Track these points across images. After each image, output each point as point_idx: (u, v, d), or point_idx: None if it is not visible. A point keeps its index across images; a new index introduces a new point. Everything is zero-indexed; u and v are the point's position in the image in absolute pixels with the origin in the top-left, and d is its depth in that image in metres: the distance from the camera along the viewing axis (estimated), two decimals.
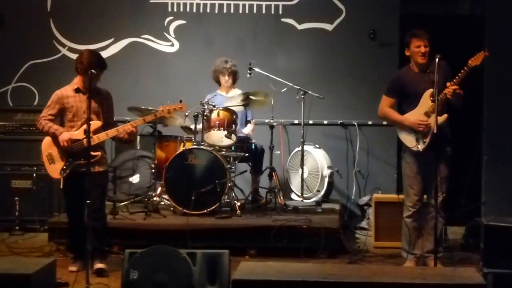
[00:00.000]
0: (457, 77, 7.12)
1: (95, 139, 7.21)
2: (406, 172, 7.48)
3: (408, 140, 7.41)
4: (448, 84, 7.13)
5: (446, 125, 7.29)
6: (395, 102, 7.58)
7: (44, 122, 7.36)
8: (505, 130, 9.43)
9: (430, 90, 7.14)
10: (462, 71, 7.09)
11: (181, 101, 7.85)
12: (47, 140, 7.42)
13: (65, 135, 7.27)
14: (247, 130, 9.41)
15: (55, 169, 7.35)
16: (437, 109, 6.93)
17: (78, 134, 7.28)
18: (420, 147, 7.32)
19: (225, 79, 9.37)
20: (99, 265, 7.27)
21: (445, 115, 7.22)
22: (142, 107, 9.01)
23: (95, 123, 7.25)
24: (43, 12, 10.37)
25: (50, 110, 7.38)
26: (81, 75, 7.32)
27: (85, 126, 7.13)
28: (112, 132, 7.36)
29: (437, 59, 6.94)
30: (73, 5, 10.40)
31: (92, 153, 7.17)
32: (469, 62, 7.09)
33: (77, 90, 7.36)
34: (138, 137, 9.57)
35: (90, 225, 6.82)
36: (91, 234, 6.69)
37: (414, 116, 7.32)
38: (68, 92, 7.37)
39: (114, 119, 7.63)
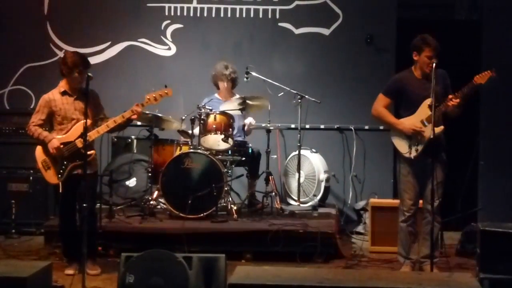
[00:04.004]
0: (460, 92, 7.10)
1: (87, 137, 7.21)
2: (401, 177, 7.47)
3: (401, 145, 7.40)
4: (450, 96, 7.12)
5: (441, 133, 7.28)
6: (390, 103, 7.55)
7: (33, 129, 7.36)
8: (501, 136, 9.46)
9: (430, 100, 7.10)
10: (466, 87, 7.07)
11: (166, 86, 7.75)
12: (39, 148, 7.42)
13: (54, 143, 7.25)
14: (248, 120, 9.35)
15: (52, 174, 7.35)
16: (435, 117, 6.94)
17: (68, 136, 7.27)
18: (412, 154, 7.30)
19: (224, 85, 9.37)
20: (92, 272, 7.27)
21: (441, 127, 7.19)
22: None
23: (84, 123, 7.24)
24: (39, 15, 10.38)
25: (39, 115, 7.38)
26: (66, 77, 7.35)
27: (75, 127, 7.19)
28: (102, 128, 7.34)
29: (433, 65, 6.95)
30: (70, 9, 10.40)
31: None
32: (474, 79, 7.06)
33: (63, 93, 7.38)
34: (135, 141, 9.56)
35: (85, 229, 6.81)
36: (86, 237, 6.69)
37: (410, 121, 7.31)
38: (55, 96, 7.38)
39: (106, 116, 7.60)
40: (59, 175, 7.29)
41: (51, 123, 7.44)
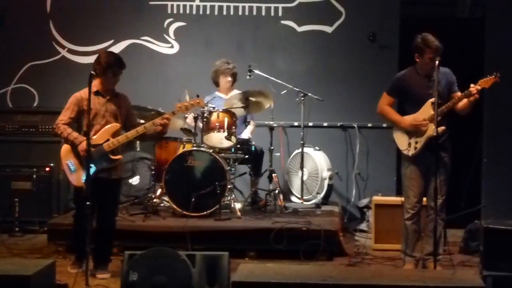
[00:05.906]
0: (463, 94, 7.11)
1: (115, 142, 7.15)
2: (405, 174, 7.46)
3: (401, 142, 7.41)
4: (458, 94, 7.15)
5: (443, 135, 7.26)
6: (394, 101, 7.56)
7: (63, 128, 7.17)
8: (505, 133, 9.45)
9: (434, 99, 7.09)
10: (471, 89, 7.06)
11: (198, 96, 7.73)
12: (65, 148, 7.23)
13: (84, 144, 6.98)
14: (246, 133, 9.39)
15: (77, 177, 7.17)
16: (437, 116, 6.93)
17: (97, 138, 7.11)
18: (410, 152, 7.30)
19: (226, 80, 9.37)
20: (102, 276, 7.18)
21: (443, 127, 7.17)
22: (141, 106, 9.00)
23: (114, 126, 7.19)
24: (42, 14, 10.38)
25: (70, 113, 7.20)
26: (99, 77, 7.19)
27: (104, 130, 7.13)
28: (131, 133, 7.22)
29: (436, 62, 6.94)
30: (73, 7, 10.41)
31: (113, 157, 7.16)
32: (479, 82, 7.05)
33: (96, 93, 7.19)
34: None
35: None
36: (89, 236, 6.69)
37: (412, 118, 7.31)
38: (88, 95, 7.03)
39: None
40: (85, 178, 6.98)
41: (79, 122, 7.26)
